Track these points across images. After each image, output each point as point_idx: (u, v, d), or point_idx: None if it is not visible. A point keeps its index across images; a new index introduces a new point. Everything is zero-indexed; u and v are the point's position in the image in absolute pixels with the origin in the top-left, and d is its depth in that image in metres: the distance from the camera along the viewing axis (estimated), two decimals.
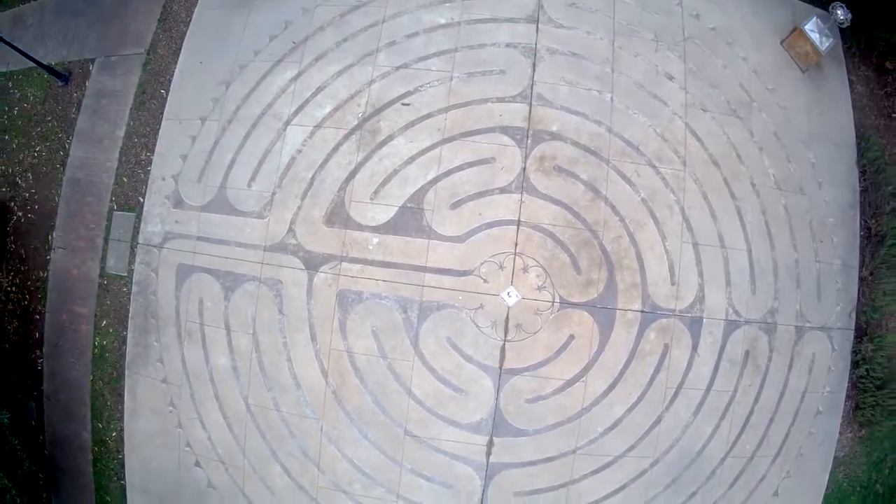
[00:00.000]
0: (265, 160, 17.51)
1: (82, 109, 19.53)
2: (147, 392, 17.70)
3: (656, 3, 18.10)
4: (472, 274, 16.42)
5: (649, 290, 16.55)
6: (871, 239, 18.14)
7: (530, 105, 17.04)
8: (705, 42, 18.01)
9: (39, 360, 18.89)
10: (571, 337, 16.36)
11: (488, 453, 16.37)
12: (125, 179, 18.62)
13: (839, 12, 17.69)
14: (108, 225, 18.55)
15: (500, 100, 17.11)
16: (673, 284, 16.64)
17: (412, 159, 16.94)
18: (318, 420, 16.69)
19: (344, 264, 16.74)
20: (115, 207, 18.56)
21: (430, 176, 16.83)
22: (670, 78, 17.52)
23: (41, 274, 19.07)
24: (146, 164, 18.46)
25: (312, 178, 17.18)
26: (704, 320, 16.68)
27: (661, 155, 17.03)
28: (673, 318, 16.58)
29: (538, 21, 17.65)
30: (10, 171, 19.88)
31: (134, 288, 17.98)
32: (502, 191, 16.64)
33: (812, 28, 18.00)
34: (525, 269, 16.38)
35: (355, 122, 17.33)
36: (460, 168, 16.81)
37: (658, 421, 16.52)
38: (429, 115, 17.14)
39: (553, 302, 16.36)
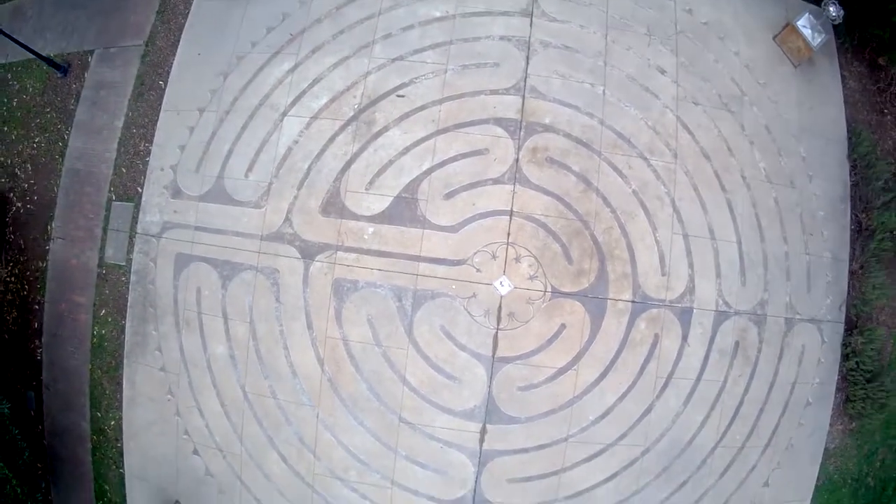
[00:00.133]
0: (262, 150, 18.40)
1: (81, 101, 20.36)
2: (145, 380, 18.62)
3: None
4: (466, 263, 17.33)
5: (640, 280, 17.46)
6: (862, 233, 18.97)
7: (523, 97, 17.94)
8: (697, 36, 18.88)
9: (38, 350, 19.76)
10: (563, 326, 17.27)
11: (481, 440, 17.27)
12: (124, 170, 19.49)
13: (831, 9, 18.38)
14: (106, 215, 19.40)
15: (494, 92, 18.00)
16: (663, 275, 17.54)
17: (407, 150, 17.84)
18: (315, 407, 17.61)
19: (340, 253, 17.66)
20: (114, 198, 19.44)
21: (425, 166, 17.73)
22: (662, 72, 18.42)
23: (40, 264, 19.94)
24: (145, 155, 19.34)
25: (309, 169, 18.08)
26: (694, 311, 17.59)
27: (652, 147, 17.92)
28: (663, 309, 17.49)
29: (532, 15, 18.55)
30: (10, 162, 20.72)
31: (132, 277, 18.87)
32: (495, 181, 17.54)
33: (804, 24, 18.77)
34: (517, 259, 17.29)
35: (351, 114, 18.23)
36: (454, 159, 17.71)
37: (649, 410, 17.42)
38: (423, 107, 18.05)
39: (545, 291, 17.28)
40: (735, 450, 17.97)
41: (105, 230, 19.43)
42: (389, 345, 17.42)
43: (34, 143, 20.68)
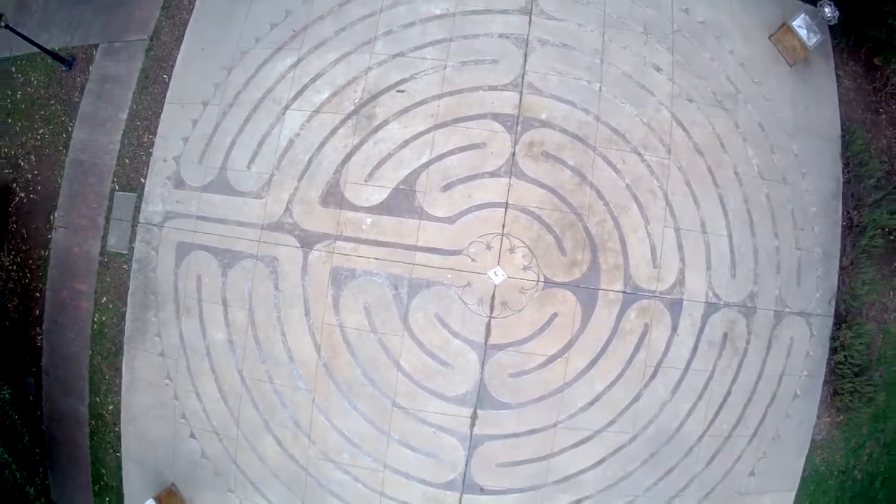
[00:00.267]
0: (264, 143, 19.77)
1: (86, 93, 21.71)
2: (144, 366, 19.92)
3: None
4: (461, 253, 18.61)
5: (631, 271, 18.71)
6: (853, 229, 20.13)
7: (521, 93, 19.27)
8: (694, 35, 20.18)
9: (39, 337, 21.05)
10: (555, 315, 18.52)
11: (472, 425, 18.50)
12: (127, 161, 20.86)
13: (826, 10, 19.63)
14: (109, 205, 20.75)
15: (492, 88, 19.33)
16: (655, 267, 18.78)
17: (406, 143, 19.17)
18: (310, 392, 18.87)
19: (338, 243, 18.97)
20: (117, 188, 20.80)
21: (423, 159, 19.06)
22: (658, 69, 19.71)
23: (42, 253, 21.26)
24: (148, 147, 20.71)
25: (310, 161, 19.42)
26: (684, 302, 18.83)
27: (646, 143, 19.21)
28: (654, 300, 18.72)
29: (531, 13, 19.89)
30: (13, 153, 22.02)
31: (134, 265, 20.20)
32: (492, 174, 18.85)
33: (800, 24, 20.10)
34: (512, 250, 18.55)
35: (352, 108, 19.58)
36: (452, 152, 19.04)
37: (637, 398, 18.64)
38: (423, 102, 19.40)
39: (538, 281, 18.54)
40: (722, 439, 19.14)
41: (108, 219, 20.76)
42: (385, 332, 18.69)
43: (38, 134, 21.97)
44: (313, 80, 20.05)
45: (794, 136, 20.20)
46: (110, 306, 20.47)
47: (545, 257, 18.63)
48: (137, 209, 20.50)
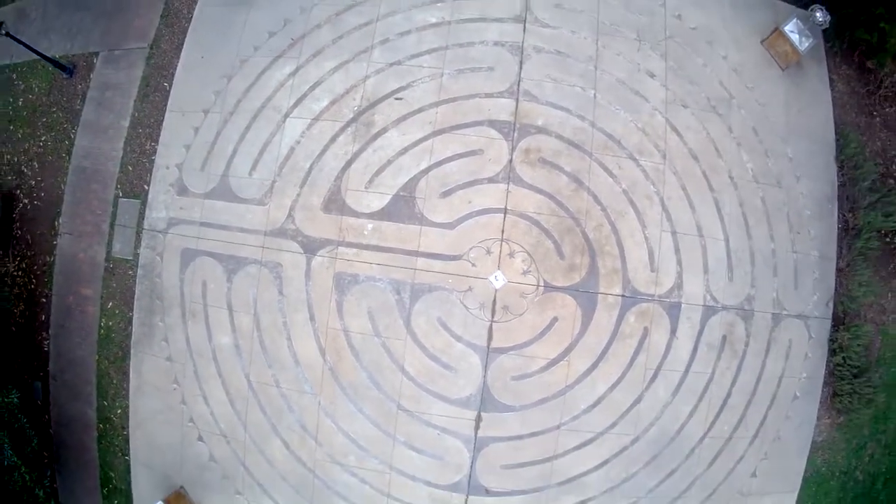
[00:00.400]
0: (265, 150, 20.76)
1: (87, 101, 22.65)
2: (152, 370, 20.93)
3: (640, 3, 21.23)
4: (462, 258, 19.65)
5: (629, 275, 19.71)
6: (849, 232, 21.01)
7: (517, 100, 20.25)
8: (686, 41, 21.12)
9: (46, 342, 22.03)
10: (555, 319, 19.55)
11: (476, 427, 19.54)
12: (130, 168, 21.85)
13: (818, 14, 20.35)
14: (113, 211, 21.72)
15: (489, 95, 20.33)
16: (652, 271, 19.79)
17: (405, 150, 20.18)
18: (316, 395, 19.92)
19: (340, 248, 19.99)
20: (121, 194, 21.78)
21: (422, 166, 20.08)
22: (651, 75, 20.68)
23: (47, 258, 22.22)
24: (151, 154, 21.69)
25: (310, 168, 20.42)
26: (683, 305, 19.83)
27: (641, 148, 20.18)
28: (652, 303, 19.73)
29: (525, 21, 20.88)
30: (16, 160, 22.96)
31: (139, 271, 21.19)
32: (490, 181, 19.85)
33: (792, 29, 20.90)
34: (511, 255, 19.59)
35: (351, 116, 20.58)
36: (450, 159, 20.04)
37: (638, 400, 19.62)
38: (420, 109, 20.40)
39: (538, 285, 19.57)
40: (723, 440, 20.09)
41: (112, 226, 21.73)
42: (388, 336, 19.73)
43: (40, 141, 22.92)
44: (312, 88, 20.98)
45: (787, 139, 21.07)
46: (116, 311, 21.47)
47: (544, 262, 19.63)
48: (141, 216, 21.46)
